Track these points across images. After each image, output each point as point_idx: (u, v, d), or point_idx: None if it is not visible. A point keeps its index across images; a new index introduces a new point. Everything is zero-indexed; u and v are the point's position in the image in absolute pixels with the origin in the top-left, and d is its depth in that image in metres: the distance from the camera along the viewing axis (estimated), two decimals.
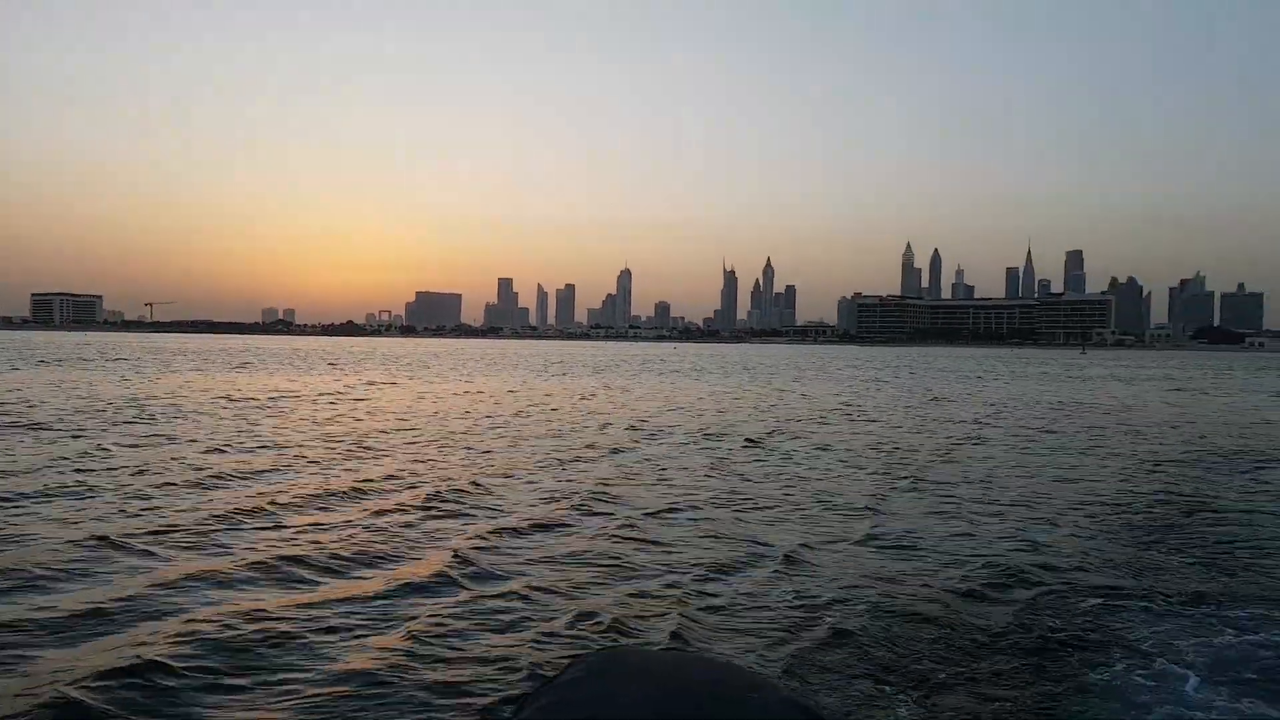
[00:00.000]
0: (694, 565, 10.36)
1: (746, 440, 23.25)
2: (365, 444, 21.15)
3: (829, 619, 8.31)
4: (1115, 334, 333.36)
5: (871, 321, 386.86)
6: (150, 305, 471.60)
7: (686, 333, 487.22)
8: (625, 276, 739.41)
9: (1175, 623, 8.35)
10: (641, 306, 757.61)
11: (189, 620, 7.92)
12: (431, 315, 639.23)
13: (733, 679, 1.33)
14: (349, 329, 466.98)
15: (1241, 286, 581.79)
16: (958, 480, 17.09)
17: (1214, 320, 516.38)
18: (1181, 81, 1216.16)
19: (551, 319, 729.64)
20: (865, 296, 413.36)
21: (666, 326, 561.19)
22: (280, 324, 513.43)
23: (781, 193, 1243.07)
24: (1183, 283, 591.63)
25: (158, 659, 6.94)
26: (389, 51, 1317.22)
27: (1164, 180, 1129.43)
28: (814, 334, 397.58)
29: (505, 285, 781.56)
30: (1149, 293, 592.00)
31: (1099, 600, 9.09)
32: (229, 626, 7.76)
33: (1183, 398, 45.72)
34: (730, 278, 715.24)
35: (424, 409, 32.30)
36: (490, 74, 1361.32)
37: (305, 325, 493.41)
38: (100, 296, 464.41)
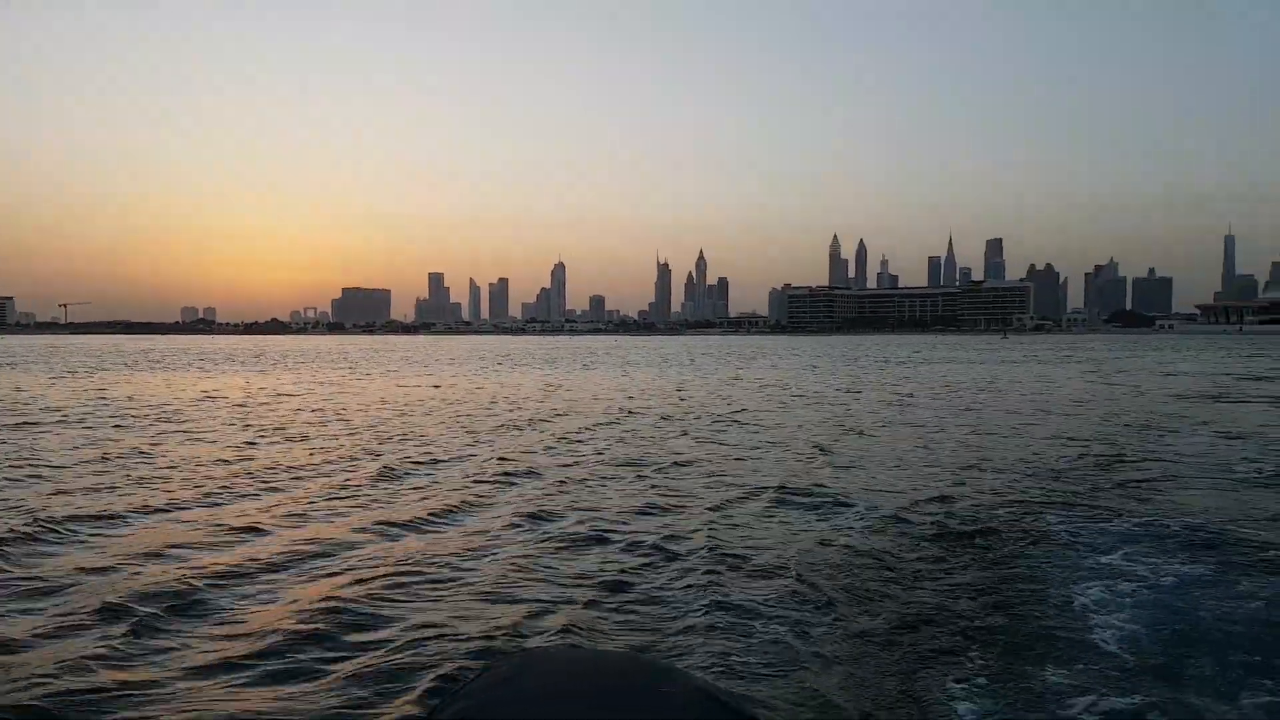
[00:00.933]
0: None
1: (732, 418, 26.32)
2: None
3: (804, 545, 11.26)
4: (1034, 319, 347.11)
5: (802, 312, 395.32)
6: (65, 306, 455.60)
7: (623, 325, 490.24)
8: (559, 270, 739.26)
9: (1097, 524, 11.56)
10: (576, 300, 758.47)
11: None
12: (360, 312, 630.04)
13: (645, 673, 1.34)
14: (274, 327, 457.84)
15: (1152, 272, 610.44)
16: (901, 445, 20.35)
17: (1126, 304, 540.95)
18: (1096, 75, 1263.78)
19: (485, 314, 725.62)
20: (795, 288, 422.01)
21: (602, 320, 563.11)
22: (201, 323, 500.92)
23: (713, 186, 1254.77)
24: (1097, 268, 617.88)
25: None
26: (314, 44, 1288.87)
27: (1079, 170, 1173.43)
28: (747, 325, 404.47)
29: (436, 280, 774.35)
30: (1065, 279, 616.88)
31: (1027, 510, 12.31)
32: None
33: (1098, 376, 50.33)
34: (664, 270, 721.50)
35: (442, 404, 34.42)
36: (418, 68, 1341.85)
37: (227, 324, 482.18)
38: (11, 298, 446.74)
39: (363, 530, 11.72)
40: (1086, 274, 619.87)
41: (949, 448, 20.24)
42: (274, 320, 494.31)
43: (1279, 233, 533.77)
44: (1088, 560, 10.05)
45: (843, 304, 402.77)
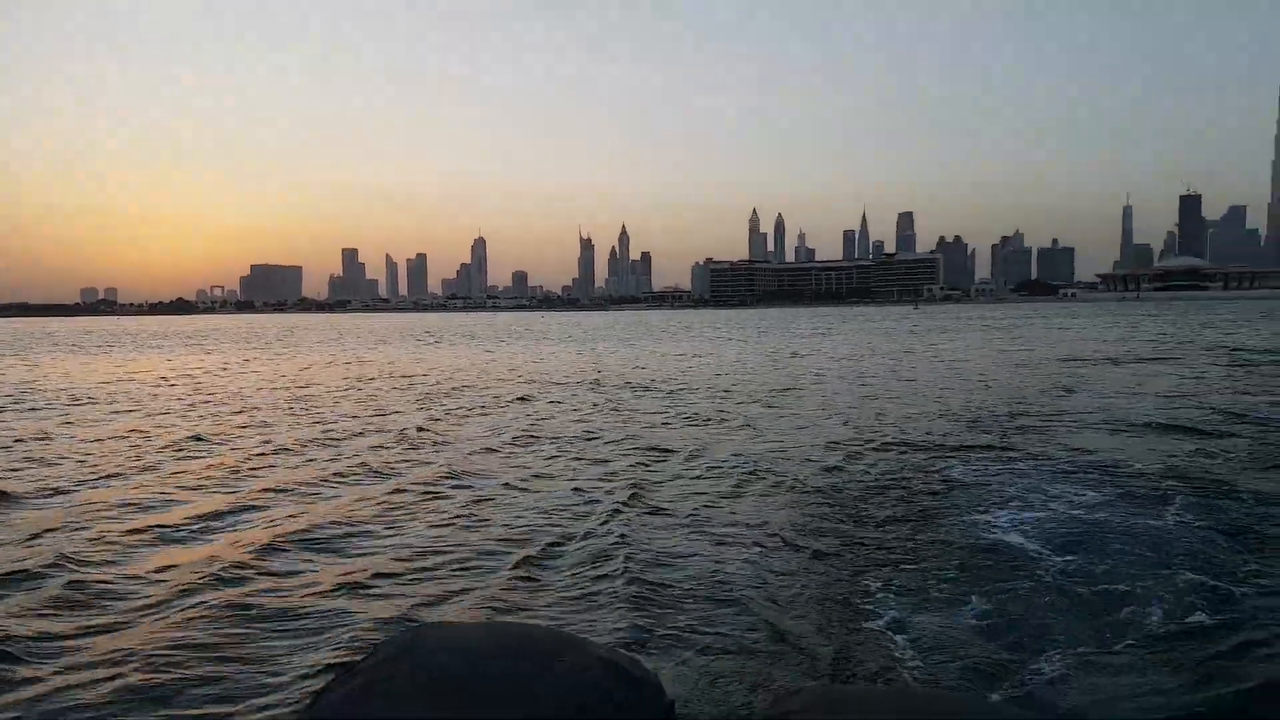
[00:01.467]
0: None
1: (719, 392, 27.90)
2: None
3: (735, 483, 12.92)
4: (944, 290, 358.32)
5: (724, 286, 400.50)
6: None
7: (546, 301, 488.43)
8: (480, 245, 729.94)
9: (1005, 463, 13.49)
10: (498, 276, 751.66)
11: None
12: (270, 290, 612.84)
13: (545, 643, 1.32)
14: (180, 307, 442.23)
15: (1055, 242, 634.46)
16: (837, 404, 22.29)
17: (1031, 274, 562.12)
18: (999, 54, 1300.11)
19: (403, 290, 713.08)
20: (717, 262, 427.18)
21: (525, 295, 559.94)
22: (103, 304, 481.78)
23: (635, 162, 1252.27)
24: (1003, 239, 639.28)
25: None
26: (220, 8, 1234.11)
27: (986, 145, 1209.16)
28: (671, 300, 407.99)
29: (350, 256, 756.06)
30: (973, 250, 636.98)
31: (943, 454, 14.20)
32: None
33: (1007, 341, 53.60)
34: (587, 246, 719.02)
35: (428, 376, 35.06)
36: (333, 34, 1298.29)
37: (130, 305, 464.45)
38: None
39: (263, 504, 12.05)
40: (994, 245, 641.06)
41: (876, 405, 22.23)
42: (180, 300, 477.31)
43: (1174, 203, 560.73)
44: (996, 492, 11.95)
45: (763, 278, 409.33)
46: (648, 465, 14.93)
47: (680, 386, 29.77)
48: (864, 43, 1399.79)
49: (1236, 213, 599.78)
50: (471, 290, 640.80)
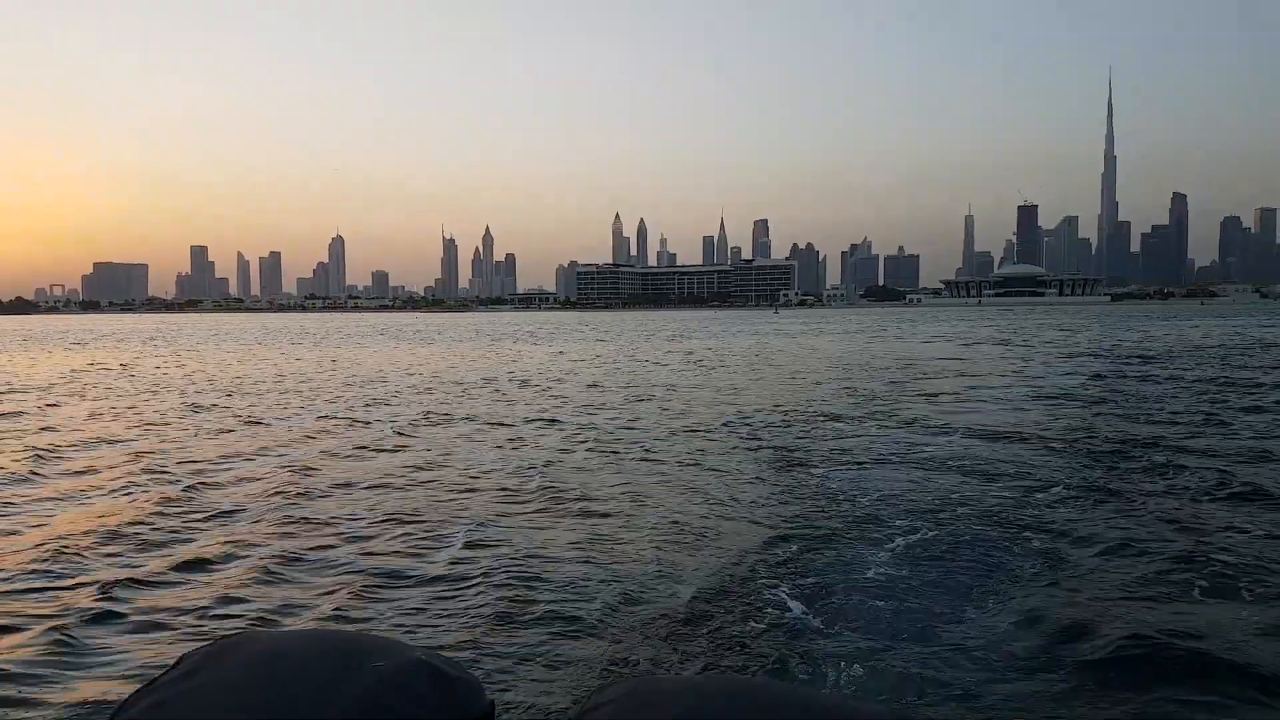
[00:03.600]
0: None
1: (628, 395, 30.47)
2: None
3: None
4: (799, 295, 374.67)
5: (590, 288, 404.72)
6: None
7: (410, 301, 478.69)
8: (338, 244, 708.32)
9: (875, 433, 16.87)
10: (357, 275, 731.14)
11: None
12: (114, 289, 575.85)
13: (359, 648, 1.29)
14: (20, 306, 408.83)
15: (901, 250, 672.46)
16: (727, 389, 25.54)
17: (879, 280, 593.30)
18: (851, 65, 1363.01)
19: (256, 290, 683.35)
20: (584, 265, 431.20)
21: (387, 296, 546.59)
22: None
23: (499, 163, 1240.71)
24: (853, 247, 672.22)
25: None
26: None
27: (836, 155, 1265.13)
28: (538, 301, 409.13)
29: (199, 253, 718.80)
30: (824, 257, 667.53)
31: (820, 425, 17.52)
32: None
33: (865, 339, 58.96)
34: (450, 246, 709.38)
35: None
36: (181, 21, 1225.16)
37: None
38: None
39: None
40: (843, 252, 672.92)
41: (763, 392, 25.63)
42: (19, 299, 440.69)
43: (1012, 214, 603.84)
44: (870, 452, 15.30)
45: (628, 281, 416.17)
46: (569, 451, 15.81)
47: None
48: (721, 51, 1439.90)
49: (1070, 223, 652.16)
50: (329, 290, 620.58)
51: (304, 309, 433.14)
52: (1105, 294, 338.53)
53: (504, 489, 12.50)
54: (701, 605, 7.51)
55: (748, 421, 19.39)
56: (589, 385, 29.38)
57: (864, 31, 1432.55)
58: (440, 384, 30.40)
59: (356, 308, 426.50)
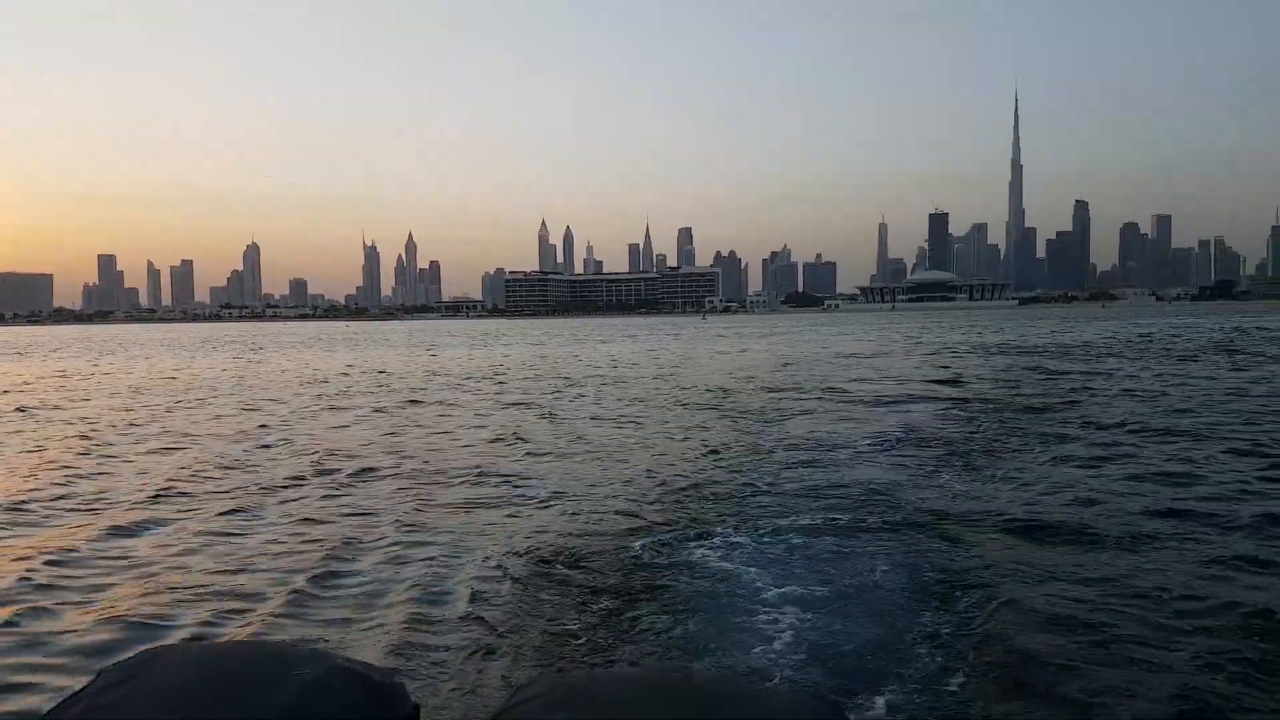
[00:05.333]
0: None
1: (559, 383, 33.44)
2: None
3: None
4: (724, 301, 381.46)
5: (518, 296, 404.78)
6: None
7: (332, 310, 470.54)
8: (253, 251, 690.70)
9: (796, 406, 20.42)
10: (274, 284, 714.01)
11: None
12: (15, 300, 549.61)
13: (283, 657, 1.27)
14: None
15: (819, 257, 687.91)
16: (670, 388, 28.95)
17: (799, 286, 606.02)
18: (770, 77, 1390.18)
19: (166, 299, 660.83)
20: (512, 273, 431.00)
21: (306, 304, 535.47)
22: None
23: (421, 169, 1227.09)
24: (773, 254, 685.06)
25: None
26: None
27: (756, 164, 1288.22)
28: (466, 309, 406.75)
29: (107, 263, 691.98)
30: (746, 264, 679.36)
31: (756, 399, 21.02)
32: None
33: (790, 342, 63.24)
34: (372, 253, 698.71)
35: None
36: (81, 28, 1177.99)
37: None
38: None
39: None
40: (764, 260, 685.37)
41: (707, 391, 29.13)
42: None
43: (924, 221, 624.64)
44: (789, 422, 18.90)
45: (556, 288, 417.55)
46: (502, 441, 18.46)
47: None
48: (644, 62, 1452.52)
49: (979, 230, 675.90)
50: (245, 298, 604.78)
51: (220, 318, 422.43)
52: (1013, 298, 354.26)
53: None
54: (625, 589, 7.82)
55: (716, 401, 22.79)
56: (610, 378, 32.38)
57: (781, 46, 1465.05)
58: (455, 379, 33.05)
59: (275, 317, 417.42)
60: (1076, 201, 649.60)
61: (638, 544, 9.38)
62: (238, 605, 7.67)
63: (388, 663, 6.04)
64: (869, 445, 15.76)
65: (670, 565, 8.64)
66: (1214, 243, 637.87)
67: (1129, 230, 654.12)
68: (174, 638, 6.79)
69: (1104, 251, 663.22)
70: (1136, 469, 12.83)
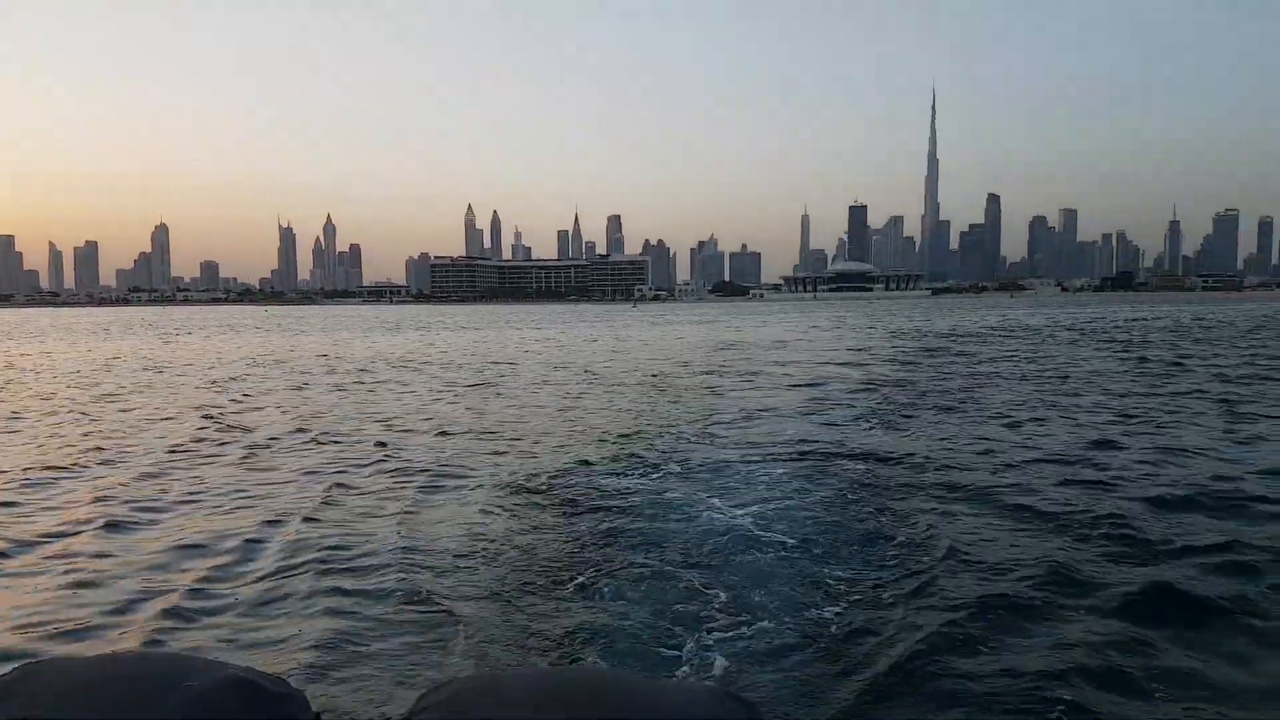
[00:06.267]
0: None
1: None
2: None
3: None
4: (652, 290, 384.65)
5: (445, 281, 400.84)
6: None
7: (246, 294, 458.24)
8: (161, 232, 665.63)
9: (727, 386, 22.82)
10: (184, 267, 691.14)
11: None
12: None
13: (171, 668, 1.20)
14: None
15: (745, 247, 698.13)
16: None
17: (725, 275, 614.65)
18: (695, 68, 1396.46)
19: (70, 282, 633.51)
20: (438, 258, 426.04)
21: (219, 287, 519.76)
22: None
23: (341, 149, 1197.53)
24: (700, 244, 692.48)
25: None
26: None
27: (683, 154, 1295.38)
28: (389, 294, 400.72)
29: (5, 244, 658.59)
30: (674, 253, 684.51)
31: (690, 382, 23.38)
32: None
33: (724, 330, 65.99)
34: (288, 235, 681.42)
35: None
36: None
37: None
38: None
39: None
40: (692, 249, 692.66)
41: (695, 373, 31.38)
42: None
43: (844, 213, 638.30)
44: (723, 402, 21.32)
45: (484, 274, 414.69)
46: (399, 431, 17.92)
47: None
48: (573, 49, 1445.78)
49: (896, 222, 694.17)
50: (154, 281, 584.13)
51: (128, 302, 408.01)
52: (927, 288, 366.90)
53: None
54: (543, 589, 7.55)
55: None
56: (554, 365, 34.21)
57: (708, 40, 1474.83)
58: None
59: (186, 301, 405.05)
60: (989, 195, 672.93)
61: (585, 477, 11.70)
62: (113, 619, 7.07)
63: (288, 671, 5.75)
64: (793, 411, 18.26)
65: (613, 489, 10.96)
66: (1116, 236, 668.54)
67: (1037, 223, 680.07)
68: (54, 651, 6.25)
69: (1014, 243, 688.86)
70: (1009, 422, 16.05)
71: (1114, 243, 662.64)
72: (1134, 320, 70.39)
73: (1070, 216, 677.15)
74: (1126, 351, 34.55)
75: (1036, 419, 16.48)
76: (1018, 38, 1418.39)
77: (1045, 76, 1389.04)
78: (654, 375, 27.38)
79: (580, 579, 7.70)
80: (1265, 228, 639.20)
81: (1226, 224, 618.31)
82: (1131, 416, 16.58)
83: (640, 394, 22.28)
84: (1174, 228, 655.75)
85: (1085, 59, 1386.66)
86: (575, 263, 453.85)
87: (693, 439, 14.89)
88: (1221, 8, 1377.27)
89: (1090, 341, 42.46)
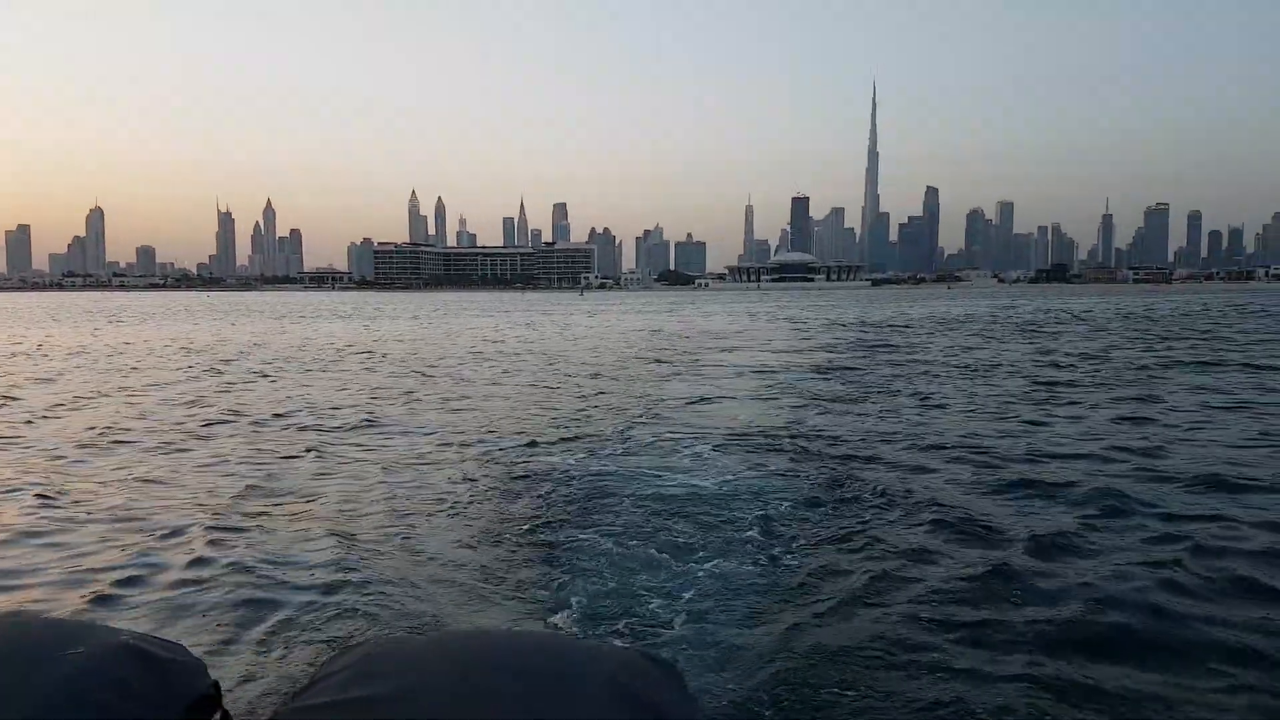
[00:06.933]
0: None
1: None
2: None
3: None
4: (599, 278, 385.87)
5: (389, 268, 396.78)
6: None
7: (184, 279, 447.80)
8: (97, 216, 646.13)
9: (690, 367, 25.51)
10: (120, 251, 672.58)
11: None
12: None
13: (51, 636, 1.15)
14: None
15: (690, 236, 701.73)
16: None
17: (671, 264, 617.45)
18: (644, 58, 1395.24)
19: (1, 267, 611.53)
20: (381, 243, 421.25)
21: (155, 273, 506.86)
22: None
23: (281, 132, 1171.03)
24: (646, 233, 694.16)
25: None
26: None
27: (629, 143, 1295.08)
28: (332, 280, 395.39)
29: None
30: (620, 241, 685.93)
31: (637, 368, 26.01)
32: None
33: (678, 319, 68.79)
34: (226, 220, 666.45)
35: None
36: None
37: None
38: None
39: None
40: (637, 238, 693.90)
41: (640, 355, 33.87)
42: None
43: (787, 204, 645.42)
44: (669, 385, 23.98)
45: (429, 261, 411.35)
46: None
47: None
48: (519, 36, 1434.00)
49: (837, 214, 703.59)
50: (88, 266, 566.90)
51: (62, 287, 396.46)
52: (867, 279, 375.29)
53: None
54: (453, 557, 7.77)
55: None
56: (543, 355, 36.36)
57: (656, 29, 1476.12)
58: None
59: (123, 286, 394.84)
60: (928, 188, 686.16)
61: (535, 455, 12.84)
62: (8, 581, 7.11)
63: (186, 637, 5.55)
64: (742, 395, 20.73)
65: (563, 465, 12.03)
66: (1052, 229, 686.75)
67: (975, 216, 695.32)
68: None
69: (952, 236, 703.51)
70: (937, 402, 18.71)
71: (1049, 235, 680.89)
72: (1046, 310, 74.96)
73: (1007, 209, 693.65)
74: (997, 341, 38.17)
75: (940, 402, 19.12)
76: (957, 33, 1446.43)
77: (984, 72, 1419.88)
78: (610, 361, 29.84)
79: (534, 538, 8.49)
80: (1194, 221, 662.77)
81: (1158, 217, 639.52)
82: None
83: (594, 380, 24.22)
84: (1107, 221, 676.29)
85: (1023, 55, 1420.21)
86: (521, 250, 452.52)
87: (643, 419, 16.43)
88: (1154, 6, 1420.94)
89: (1003, 331, 46.15)
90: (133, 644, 1.14)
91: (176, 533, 8.81)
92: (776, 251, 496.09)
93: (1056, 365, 26.74)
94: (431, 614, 6.43)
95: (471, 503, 10.09)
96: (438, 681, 1.08)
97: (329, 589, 6.93)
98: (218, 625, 6.19)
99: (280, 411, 18.22)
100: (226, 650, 5.74)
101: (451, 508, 9.77)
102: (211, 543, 8.31)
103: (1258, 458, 12.29)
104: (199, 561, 7.77)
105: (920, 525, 8.84)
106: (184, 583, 7.21)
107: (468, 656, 1.13)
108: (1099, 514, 9.22)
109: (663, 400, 19.58)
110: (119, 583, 7.14)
